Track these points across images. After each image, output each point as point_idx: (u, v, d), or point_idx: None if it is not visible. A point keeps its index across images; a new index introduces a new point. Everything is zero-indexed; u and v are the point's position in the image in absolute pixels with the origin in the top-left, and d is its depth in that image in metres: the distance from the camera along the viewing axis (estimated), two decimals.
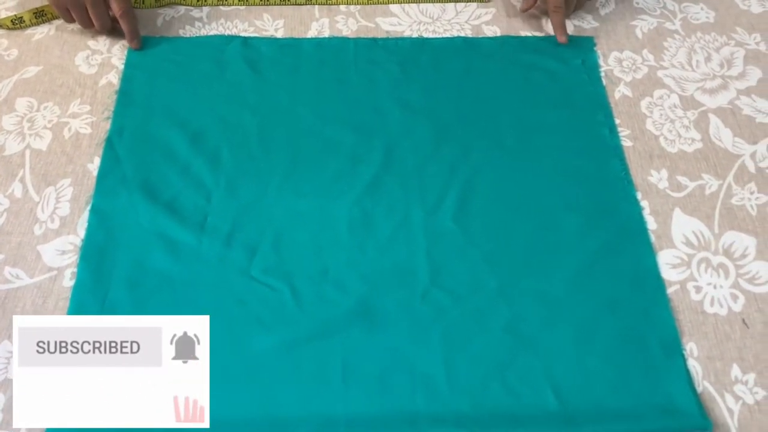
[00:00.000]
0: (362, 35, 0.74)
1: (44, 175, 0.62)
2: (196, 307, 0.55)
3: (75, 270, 0.56)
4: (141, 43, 0.72)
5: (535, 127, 0.66)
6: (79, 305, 0.55)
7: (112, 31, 0.73)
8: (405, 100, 0.68)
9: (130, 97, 0.68)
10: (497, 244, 0.58)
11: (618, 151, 0.64)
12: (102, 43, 0.73)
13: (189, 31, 0.75)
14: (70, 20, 0.71)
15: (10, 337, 0.52)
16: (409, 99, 0.68)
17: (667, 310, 0.54)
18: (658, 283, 0.56)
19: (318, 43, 0.73)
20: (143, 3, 0.76)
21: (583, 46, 0.73)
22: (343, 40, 0.73)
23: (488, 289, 0.56)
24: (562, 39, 0.72)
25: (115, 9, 0.69)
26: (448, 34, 0.74)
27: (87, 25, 0.71)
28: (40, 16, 0.75)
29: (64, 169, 0.63)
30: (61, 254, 0.57)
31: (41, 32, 0.74)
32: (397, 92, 0.69)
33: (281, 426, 0.49)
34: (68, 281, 0.56)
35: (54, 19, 0.75)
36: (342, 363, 0.52)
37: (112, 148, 0.64)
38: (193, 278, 0.56)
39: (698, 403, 0.50)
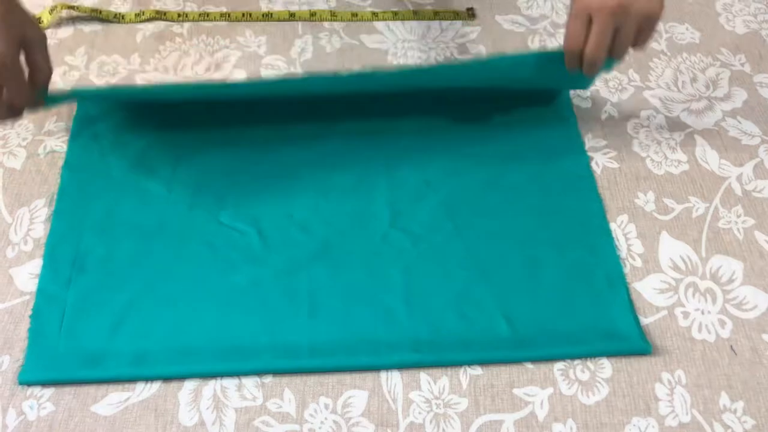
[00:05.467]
0: (346, 53, 0.73)
1: (17, 195, 0.60)
2: (166, 250, 0.57)
3: None
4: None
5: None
6: (53, 254, 0.57)
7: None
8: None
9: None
10: (454, 190, 0.61)
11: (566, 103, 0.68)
12: (80, 59, 0.71)
13: (169, 47, 0.73)
14: None
15: None
16: None
17: (611, 248, 0.58)
18: (604, 224, 0.60)
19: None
20: (123, 18, 0.75)
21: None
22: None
23: (445, 230, 0.59)
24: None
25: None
26: (433, 53, 0.73)
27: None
28: None
29: (38, 189, 0.61)
30: (35, 278, 0.56)
31: None
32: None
33: (248, 353, 0.52)
34: None
35: None
36: (308, 296, 0.55)
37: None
38: (163, 223, 0.59)
39: (639, 328, 0.53)
